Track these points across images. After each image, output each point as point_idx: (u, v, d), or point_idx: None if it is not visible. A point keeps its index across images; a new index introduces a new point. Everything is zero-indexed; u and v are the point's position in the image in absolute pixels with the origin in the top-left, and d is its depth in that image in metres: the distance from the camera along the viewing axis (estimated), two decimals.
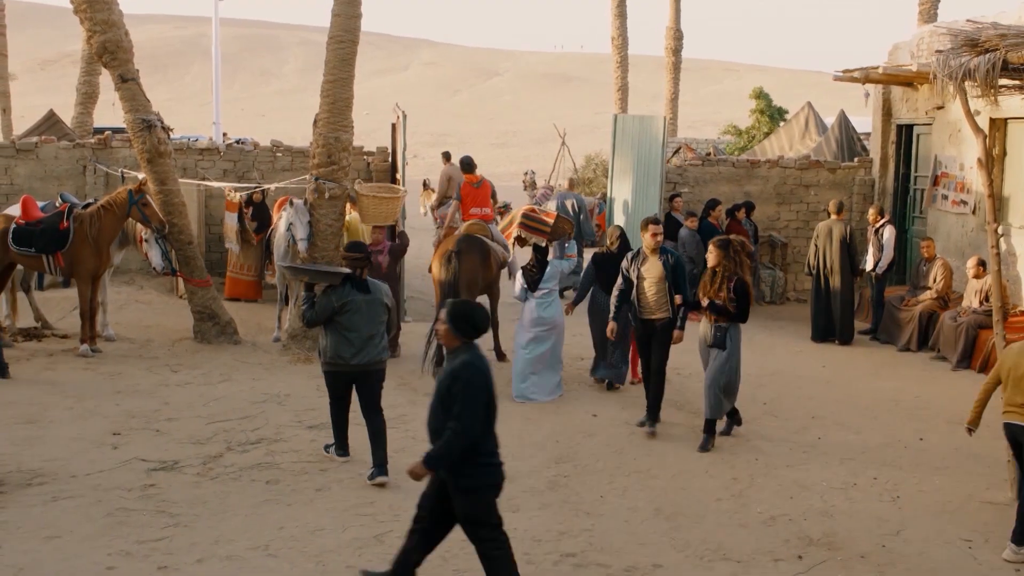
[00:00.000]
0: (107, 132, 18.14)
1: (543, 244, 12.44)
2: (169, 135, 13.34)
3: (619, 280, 10.28)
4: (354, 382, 8.62)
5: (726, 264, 9.54)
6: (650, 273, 10.02)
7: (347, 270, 8.68)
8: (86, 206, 13.00)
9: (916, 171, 16.89)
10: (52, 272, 12.79)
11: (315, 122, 13.19)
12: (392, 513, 7.71)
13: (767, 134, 27.29)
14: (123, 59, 12.73)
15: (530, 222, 13.17)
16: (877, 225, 14.91)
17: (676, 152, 22.69)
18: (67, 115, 23.29)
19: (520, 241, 13.12)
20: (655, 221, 10.15)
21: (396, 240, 13.05)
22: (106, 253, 12.65)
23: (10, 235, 12.34)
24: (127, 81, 12.78)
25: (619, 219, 16.87)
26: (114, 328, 13.26)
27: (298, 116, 58.58)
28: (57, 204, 12.99)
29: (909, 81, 16.19)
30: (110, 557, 6.81)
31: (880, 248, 14.74)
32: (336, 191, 12.86)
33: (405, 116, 15.51)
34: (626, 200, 16.72)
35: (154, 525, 7.38)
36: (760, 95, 31.01)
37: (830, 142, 19.94)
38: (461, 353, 6.03)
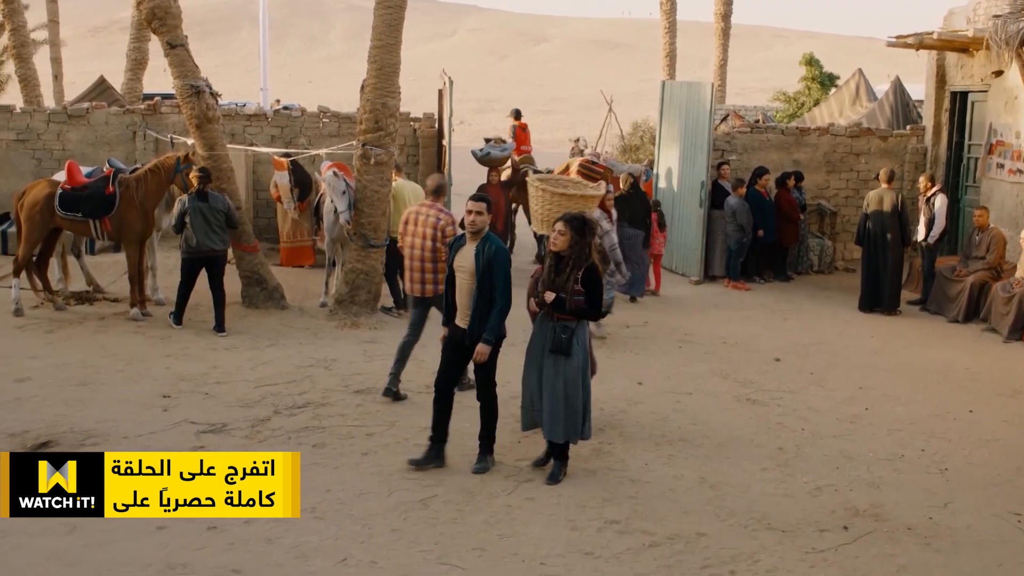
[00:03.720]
0: (156, 98, 18.30)
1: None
2: (217, 101, 13.40)
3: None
4: (203, 264, 12.11)
5: (577, 249, 7.69)
6: (463, 264, 7.90)
7: None
8: (132, 171, 13.14)
9: (970, 139, 16.59)
10: (99, 237, 12.93)
11: (362, 88, 13.19)
12: (437, 477, 7.77)
13: (817, 101, 26.93)
14: (172, 25, 12.79)
15: (586, 171, 15.12)
16: (928, 194, 14.70)
17: (724, 119, 22.46)
18: (117, 81, 23.52)
19: None
20: (475, 198, 8.07)
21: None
22: (151, 217, 12.78)
23: (56, 200, 12.49)
24: (176, 47, 12.84)
25: (665, 186, 16.79)
26: (163, 292, 13.42)
27: (345, 82, 58.74)
28: (104, 169, 13.13)
29: (964, 47, 15.88)
30: (160, 517, 6.92)
31: (931, 217, 14.53)
32: (383, 157, 12.87)
33: (452, 82, 15.48)
34: (673, 167, 16.61)
35: None
36: (811, 61, 30.58)
37: (884, 109, 19.65)
38: None
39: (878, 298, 14.38)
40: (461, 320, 7.93)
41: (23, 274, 12.78)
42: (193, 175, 12.24)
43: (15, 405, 9.17)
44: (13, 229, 13.83)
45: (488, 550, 6.63)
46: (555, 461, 7.90)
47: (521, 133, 19.92)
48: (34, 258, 12.96)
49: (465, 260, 7.84)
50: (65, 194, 12.49)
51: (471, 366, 8.16)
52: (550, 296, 7.63)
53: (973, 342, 12.90)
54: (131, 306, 12.63)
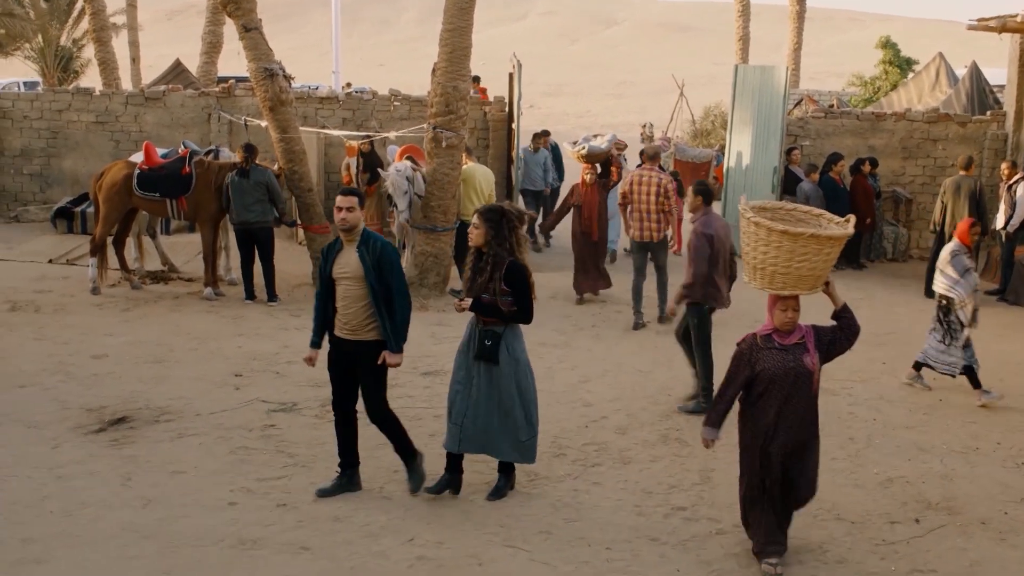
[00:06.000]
0: (231, 81, 18.54)
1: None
2: (290, 84, 13.54)
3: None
4: (251, 237, 12.49)
5: (495, 245, 6.87)
6: (346, 270, 6.90)
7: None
8: (207, 152, 13.33)
9: None
10: (176, 216, 13.17)
11: (433, 71, 13.23)
12: None
13: (894, 86, 26.44)
14: (247, 8, 12.94)
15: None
16: (1011, 181, 14.33)
17: (798, 104, 22.17)
18: (193, 64, 23.90)
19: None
20: (344, 191, 7.00)
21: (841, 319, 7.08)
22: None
23: (135, 180, 12.73)
24: (250, 30, 12.99)
25: (736, 172, 16.61)
26: (236, 272, 13.62)
27: (416, 65, 58.91)
28: (179, 151, 13.35)
29: None
30: (232, 493, 7.06)
31: (1012, 205, 14.18)
32: (453, 140, 12.91)
33: (521, 66, 15.47)
34: (745, 153, 16.41)
35: (274, 464, 7.61)
36: (887, 45, 30.02)
37: (960, 95, 19.21)
38: None
39: None
40: (345, 331, 6.96)
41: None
42: (238, 151, 12.82)
43: (92, 381, 9.39)
44: (92, 209, 14.11)
45: (554, 534, 6.64)
46: (500, 475, 7.23)
47: (484, 97, 19.73)
48: (111, 238, 13.24)
49: (347, 266, 6.88)
50: (143, 174, 12.73)
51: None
52: (465, 305, 6.87)
53: None
54: (204, 286, 12.85)
